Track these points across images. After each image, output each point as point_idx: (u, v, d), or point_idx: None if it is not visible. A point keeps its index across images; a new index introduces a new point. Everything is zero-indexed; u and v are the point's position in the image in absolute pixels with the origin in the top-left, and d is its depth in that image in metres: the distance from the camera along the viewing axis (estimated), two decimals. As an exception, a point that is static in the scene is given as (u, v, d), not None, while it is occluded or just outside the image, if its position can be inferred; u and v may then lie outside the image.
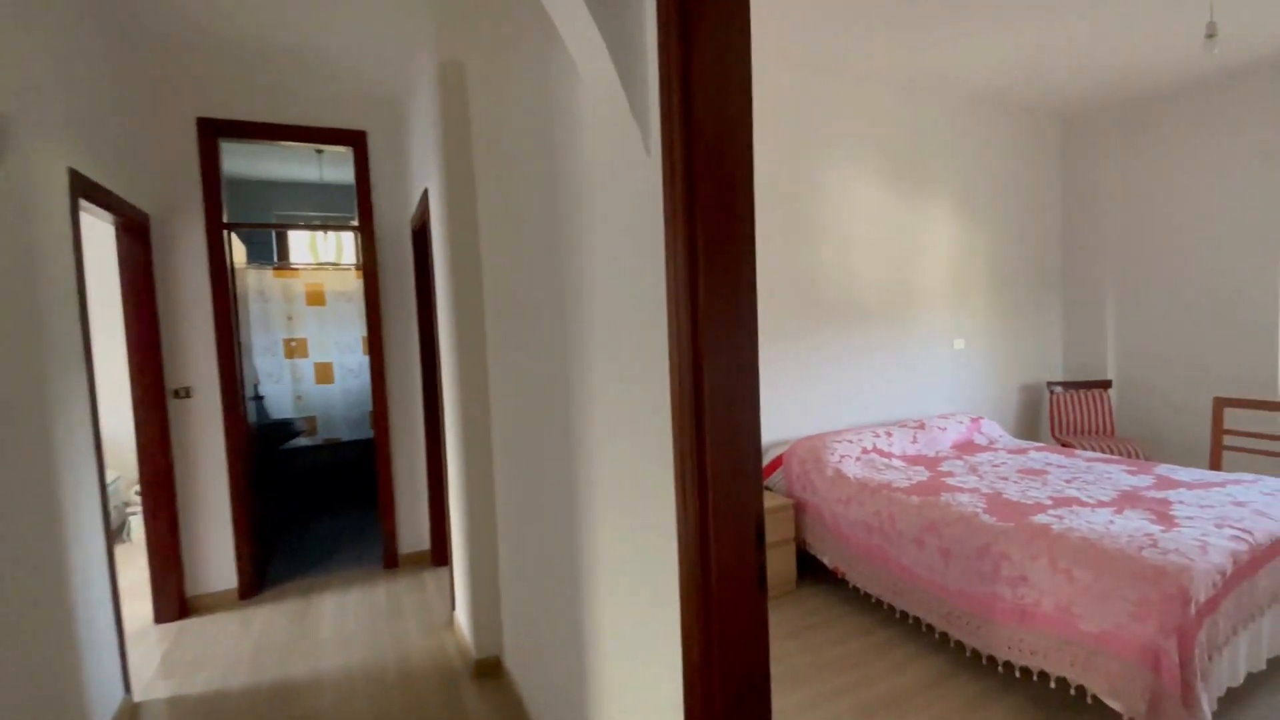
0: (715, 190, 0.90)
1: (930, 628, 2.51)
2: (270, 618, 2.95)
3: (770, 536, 2.90)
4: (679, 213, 0.91)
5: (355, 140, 3.34)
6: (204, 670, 2.50)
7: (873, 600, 2.76)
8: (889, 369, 3.87)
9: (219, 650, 2.65)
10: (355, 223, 3.41)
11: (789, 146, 3.40)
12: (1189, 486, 2.62)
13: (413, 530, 3.52)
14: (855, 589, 2.86)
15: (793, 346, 3.46)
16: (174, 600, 2.95)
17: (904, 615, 2.63)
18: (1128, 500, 2.47)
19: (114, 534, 4.08)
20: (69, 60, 2.11)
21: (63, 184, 1.92)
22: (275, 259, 4.83)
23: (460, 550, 2.56)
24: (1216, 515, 2.24)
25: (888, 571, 2.59)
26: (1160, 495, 2.51)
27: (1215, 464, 3.50)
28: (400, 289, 3.44)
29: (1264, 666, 2.08)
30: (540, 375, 1.75)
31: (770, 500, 2.98)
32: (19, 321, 1.62)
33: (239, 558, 3.13)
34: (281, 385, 4.80)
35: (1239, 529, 2.11)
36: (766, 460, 3.34)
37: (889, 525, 2.61)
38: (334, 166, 4.41)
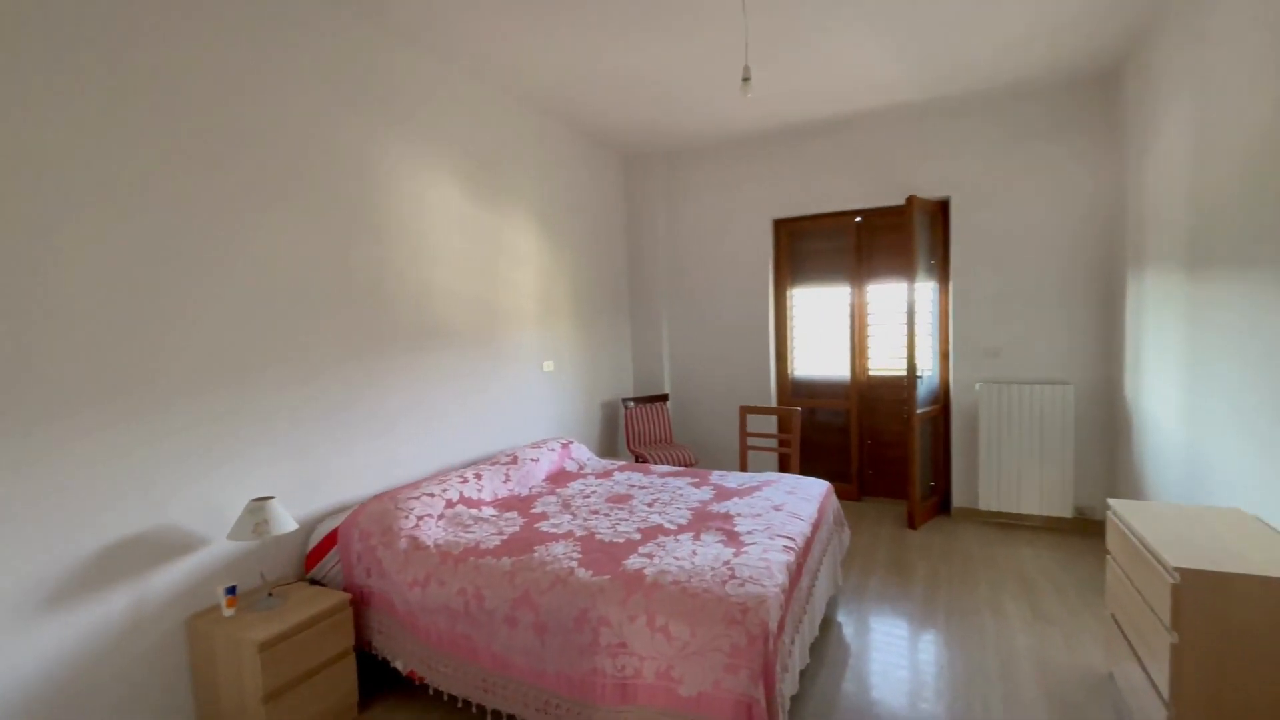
0: None
1: (528, 725, 2.05)
2: None
3: (318, 654, 2.01)
4: None
5: None
6: None
7: (459, 704, 2.16)
8: (479, 397, 3.40)
9: None
10: None
11: (337, 120, 2.57)
12: (739, 494, 2.85)
13: None
14: (439, 694, 2.22)
15: (357, 376, 2.64)
16: None
17: (496, 716, 2.12)
18: (700, 520, 2.51)
19: None
20: None
21: None
22: None
23: None
24: (765, 524, 2.40)
25: (477, 665, 2.03)
26: (723, 509, 2.63)
27: (743, 462, 4.14)
28: None
29: (809, 659, 2.27)
30: None
31: (317, 600, 2.10)
32: None
33: None
34: None
35: (785, 536, 2.28)
36: (314, 541, 2.41)
37: (476, 605, 2.06)
38: None
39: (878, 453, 4.55)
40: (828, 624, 2.73)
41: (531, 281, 3.88)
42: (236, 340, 2.16)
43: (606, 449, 4.75)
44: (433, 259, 3.08)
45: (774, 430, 4.61)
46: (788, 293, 4.76)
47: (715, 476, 3.22)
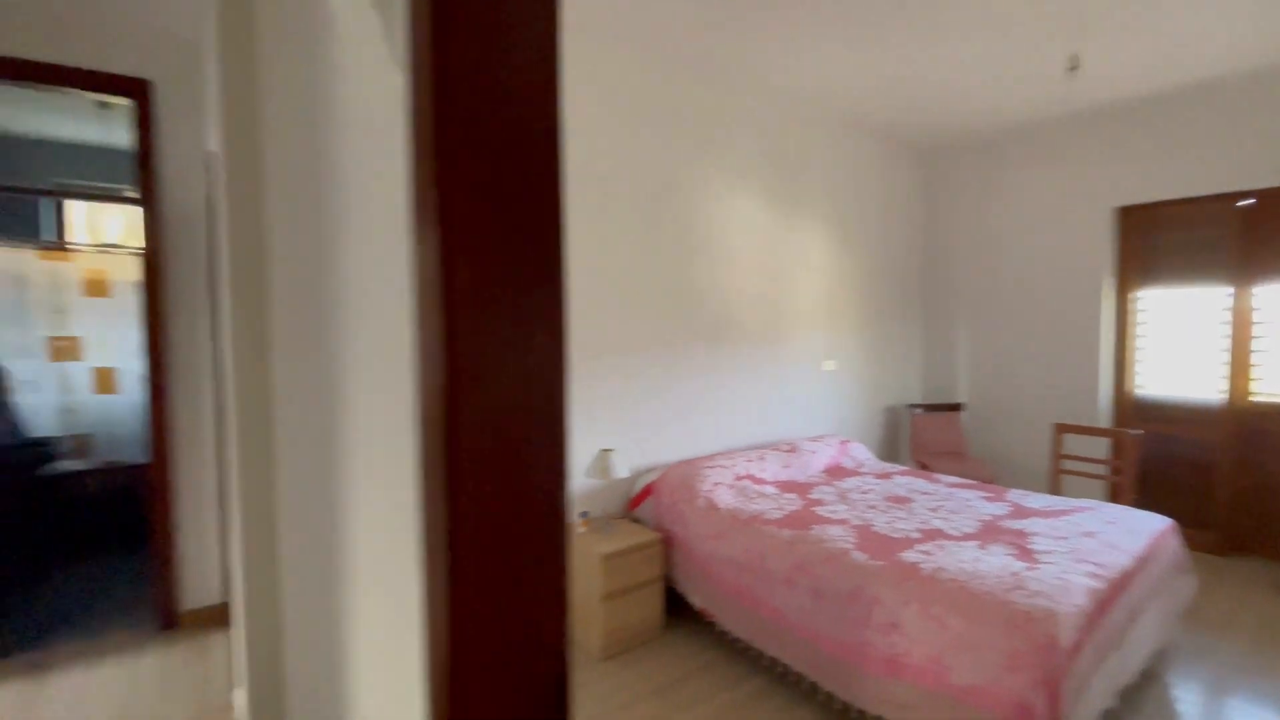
0: (487, 123, 0.56)
1: (800, 677, 2.31)
2: (-28, 711, 2.19)
3: (637, 575, 2.59)
4: (424, 150, 0.56)
5: (137, 90, 2.65)
6: None
7: (741, 645, 2.53)
8: (763, 389, 3.74)
9: None
10: (134, 195, 2.72)
11: (659, 150, 3.16)
12: (1041, 515, 2.65)
13: (201, 580, 2.83)
14: (724, 633, 2.62)
15: (672, 362, 3.22)
16: None
17: (774, 662, 2.42)
18: (990, 532, 2.43)
19: None
20: None
21: None
22: (51, 236, 3.86)
23: (239, 609, 2.00)
24: (1071, 548, 2.23)
25: (758, 614, 2.37)
26: (1018, 526, 2.49)
27: (1054, 487, 3.68)
28: (192, 280, 2.78)
29: (1116, 703, 2.06)
30: (313, 386, 1.31)
31: (638, 534, 2.68)
32: None
33: (-66, 628, 2.32)
34: (44, 395, 3.82)
35: (1094, 564, 2.09)
36: (636, 489, 3.03)
37: (759, 563, 2.39)
38: (126, 126, 3.59)
39: (1261, 500, 3.58)
40: (1151, 677, 2.37)
41: (817, 283, 4.06)
42: (591, 333, 2.87)
43: (886, 454, 4.67)
44: (729, 265, 3.51)
45: (1101, 455, 3.97)
46: (1131, 294, 4.03)
47: (1014, 495, 3.00)
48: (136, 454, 3.99)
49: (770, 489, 3.02)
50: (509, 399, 0.61)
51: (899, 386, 4.76)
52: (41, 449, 3.52)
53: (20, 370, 3.75)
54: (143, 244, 2.69)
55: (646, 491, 2.96)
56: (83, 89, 2.59)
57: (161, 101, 2.69)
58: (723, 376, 3.50)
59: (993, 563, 2.09)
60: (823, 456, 3.53)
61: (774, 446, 3.49)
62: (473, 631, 0.58)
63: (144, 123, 2.67)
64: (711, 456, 3.18)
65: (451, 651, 0.59)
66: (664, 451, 3.21)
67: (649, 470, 3.10)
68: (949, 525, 2.52)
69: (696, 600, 2.63)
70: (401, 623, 0.75)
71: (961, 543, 2.30)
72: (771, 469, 3.22)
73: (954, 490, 3.07)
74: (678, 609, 2.82)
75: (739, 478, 3.03)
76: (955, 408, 4.52)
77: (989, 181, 4.56)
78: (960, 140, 4.50)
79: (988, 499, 2.92)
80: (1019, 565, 2.06)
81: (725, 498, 2.83)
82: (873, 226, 4.43)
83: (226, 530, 2.60)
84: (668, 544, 2.79)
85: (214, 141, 2.10)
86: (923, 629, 1.87)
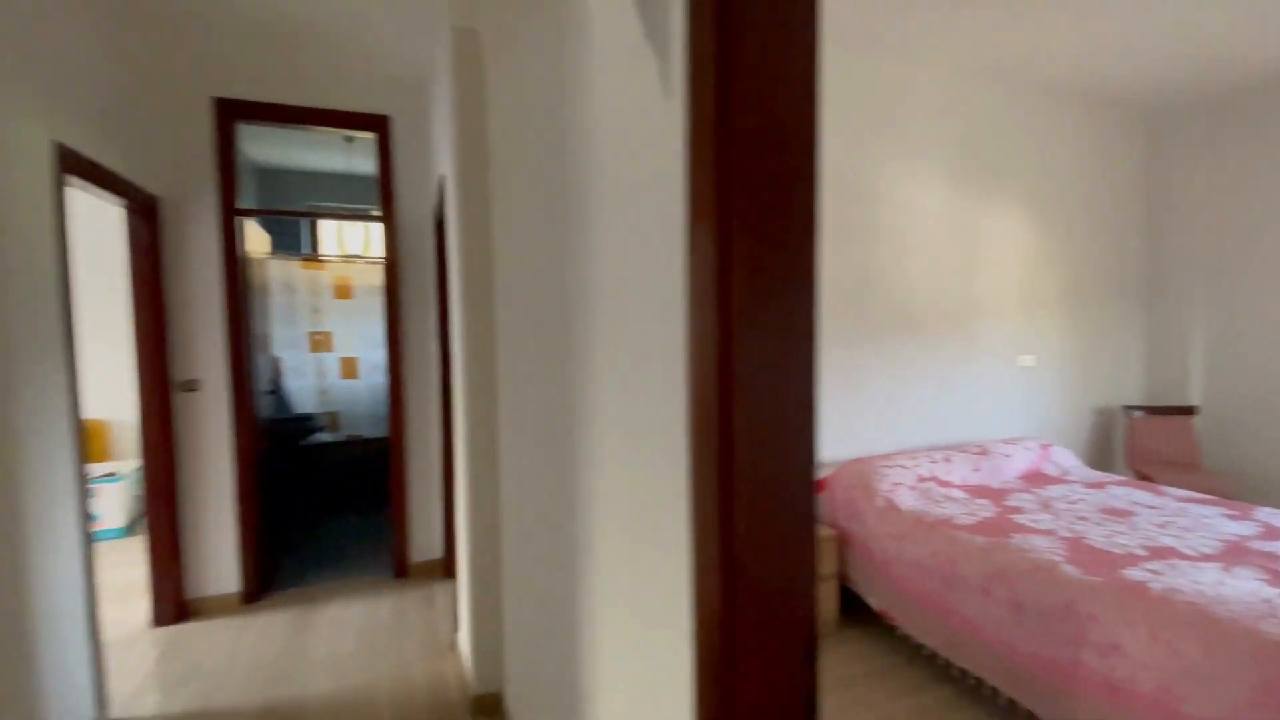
0: (759, 142, 0.64)
1: (995, 691, 2.17)
2: (268, 628, 2.79)
3: (808, 570, 2.59)
4: (703, 169, 0.66)
5: (378, 125, 3.17)
6: (191, 684, 2.34)
7: (925, 652, 2.43)
8: (948, 386, 3.51)
9: (210, 662, 2.49)
10: (378, 213, 3.25)
11: (841, 135, 3.09)
12: (1311, 540, 2.22)
13: (426, 537, 3.33)
14: (905, 637, 2.53)
15: (842, 356, 3.14)
16: (172, 603, 2.82)
17: (963, 673, 2.30)
18: (1234, 553, 2.09)
19: (132, 527, 4.03)
20: (52, 27, 1.96)
21: (44, 158, 1.78)
22: (308, 250, 4.74)
23: (464, 567, 2.34)
24: (1357, 581, 1.86)
25: (945, 622, 2.26)
26: (1270, 548, 2.12)
27: (1329, 510, 3.04)
28: (421, 283, 3.26)
29: None
30: (547, 388, 1.50)
31: (809, 529, 2.68)
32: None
33: (244, 559, 2.98)
34: (305, 379, 4.70)
35: (1393, 603, 1.73)
36: (806, 483, 3.02)
37: (949, 568, 2.28)
38: (365, 156, 4.29)
39: None
40: None
41: (1012, 270, 3.70)
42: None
43: (1096, 461, 4.13)
44: (911, 252, 3.33)
45: (1400, 476, 3.19)
46: None
47: (1264, 513, 2.55)
48: (371, 429, 4.76)
49: (959, 493, 2.84)
50: (772, 395, 0.69)
51: (1113, 386, 4.19)
52: (304, 423, 4.34)
53: (289, 359, 4.65)
54: (383, 254, 3.21)
55: (819, 487, 2.94)
56: (337, 127, 3.15)
57: (397, 133, 3.18)
58: (902, 371, 3.34)
59: (1239, 587, 1.81)
60: (1019, 461, 3.24)
61: (961, 448, 3.26)
62: (746, 590, 0.68)
63: (384, 152, 3.18)
64: (889, 455, 3.06)
65: (723, 609, 0.69)
66: (836, 447, 3.15)
67: (821, 466, 3.07)
68: (1182, 543, 2.21)
69: (874, 601, 2.57)
70: (664, 582, 0.87)
71: (1199, 563, 2.02)
72: (960, 472, 3.02)
73: (1186, 505, 2.68)
74: (852, 610, 2.78)
75: (922, 479, 2.89)
76: (1187, 411, 3.88)
77: (1230, 144, 3.83)
78: (1193, 98, 3.83)
79: (1231, 517, 2.51)
80: (1271, 591, 1.77)
81: (907, 499, 2.72)
82: (1080, 204, 3.93)
83: (450, 497, 3.03)
84: (842, 541, 2.75)
85: (444, 166, 2.46)
86: (1150, 654, 1.68)
